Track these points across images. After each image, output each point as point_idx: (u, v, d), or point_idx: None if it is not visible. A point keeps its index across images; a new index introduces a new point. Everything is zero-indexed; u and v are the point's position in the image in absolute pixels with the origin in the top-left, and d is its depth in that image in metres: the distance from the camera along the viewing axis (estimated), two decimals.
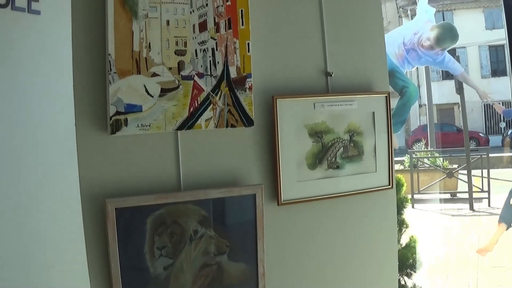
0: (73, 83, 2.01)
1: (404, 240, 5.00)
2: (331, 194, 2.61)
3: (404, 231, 5.04)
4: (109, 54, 2.09)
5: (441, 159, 12.50)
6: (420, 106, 23.56)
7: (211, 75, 2.28)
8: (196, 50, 2.25)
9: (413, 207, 10.50)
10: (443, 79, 24.29)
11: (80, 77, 2.07)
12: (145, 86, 2.16)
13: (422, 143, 15.26)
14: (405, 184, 5.20)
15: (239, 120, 2.33)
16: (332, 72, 2.60)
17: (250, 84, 2.34)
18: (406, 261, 4.95)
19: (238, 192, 2.32)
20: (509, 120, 23.82)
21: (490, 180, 11.05)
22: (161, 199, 2.18)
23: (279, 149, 2.45)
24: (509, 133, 21.79)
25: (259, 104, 2.43)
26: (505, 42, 3.46)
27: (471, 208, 10.53)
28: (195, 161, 2.32)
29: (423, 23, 5.86)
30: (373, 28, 2.79)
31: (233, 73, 2.31)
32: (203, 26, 2.27)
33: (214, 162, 2.36)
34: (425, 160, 12.54)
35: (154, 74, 2.17)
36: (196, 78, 2.25)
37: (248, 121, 2.35)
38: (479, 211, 10.46)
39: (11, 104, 1.76)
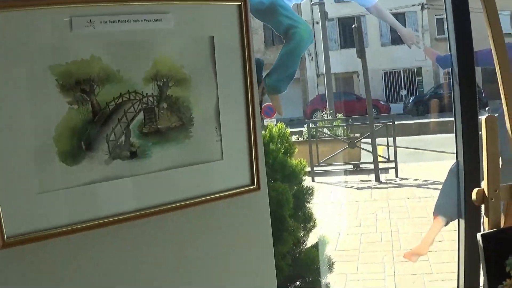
0: None
1: (311, 240, 3.77)
2: (123, 215, 1.34)
3: (311, 229, 3.78)
4: None
5: (341, 129, 11.75)
6: (318, 75, 22.99)
7: None
8: None
9: (313, 180, 9.50)
10: (341, 48, 23.78)
11: None
12: None
13: (324, 113, 14.45)
14: (306, 166, 3.93)
15: None
16: None
17: None
18: (312, 265, 3.67)
19: None
20: (410, 87, 23.85)
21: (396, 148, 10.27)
22: None
23: None
24: (410, 100, 21.67)
25: None
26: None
27: (377, 179, 9.74)
28: None
29: None
30: None
31: None
32: None
33: None
34: (325, 130, 11.71)
35: None
36: None
37: None
38: (387, 183, 9.60)
39: None
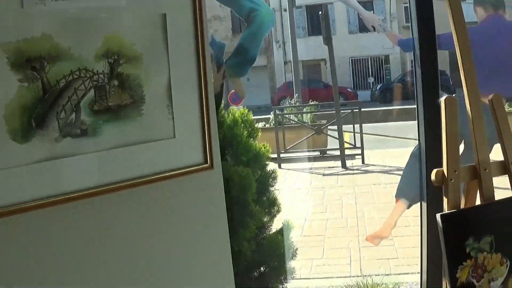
0: None
1: (276, 226, 3.76)
2: (74, 193, 1.31)
3: (275, 214, 3.77)
4: None
5: (308, 115, 11.75)
6: (285, 63, 22.93)
7: None
8: None
9: (280, 167, 9.55)
10: (309, 35, 23.73)
11: None
12: None
13: (292, 100, 14.44)
14: (269, 150, 3.91)
15: None
16: None
17: None
18: (276, 251, 3.66)
19: None
20: (378, 75, 23.94)
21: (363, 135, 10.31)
22: None
23: None
24: (378, 88, 21.73)
25: None
26: None
27: (344, 166, 9.78)
28: None
29: None
30: None
31: None
32: None
33: None
34: (292, 117, 11.75)
35: None
36: None
37: None
38: (353, 169, 9.65)
39: None
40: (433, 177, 1.84)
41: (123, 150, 1.37)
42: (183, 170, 1.47)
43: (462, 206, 1.90)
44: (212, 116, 1.50)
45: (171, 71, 1.42)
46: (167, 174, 1.44)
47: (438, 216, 1.77)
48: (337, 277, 4.73)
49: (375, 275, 4.42)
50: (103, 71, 1.31)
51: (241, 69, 3.07)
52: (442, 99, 1.84)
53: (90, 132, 1.31)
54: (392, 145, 11.12)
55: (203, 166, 1.51)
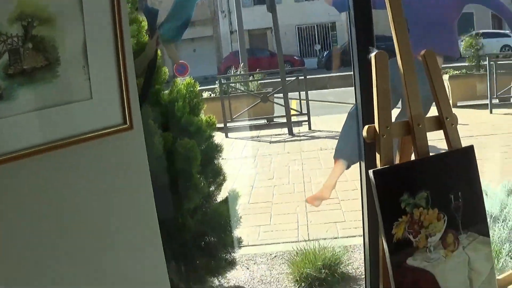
0: None
1: (223, 195, 3.72)
2: None
3: (221, 183, 3.74)
4: None
5: (255, 84, 11.73)
6: (231, 32, 22.81)
7: None
8: None
9: (226, 136, 9.67)
10: (254, 4, 23.61)
11: None
12: None
13: (238, 70, 14.37)
14: (215, 122, 3.86)
15: None
16: None
17: None
18: (221, 220, 3.63)
19: None
20: (324, 42, 23.98)
21: (309, 102, 10.34)
22: None
23: None
24: (324, 55, 21.79)
25: None
26: None
27: (290, 132, 9.85)
28: None
29: None
30: None
31: None
32: None
33: None
34: (238, 86, 11.71)
35: None
36: None
37: None
38: (300, 136, 9.73)
39: None
40: (364, 133, 1.83)
41: (40, 113, 1.35)
42: (102, 132, 1.45)
43: (397, 162, 1.90)
44: (131, 76, 1.46)
45: (86, 32, 1.39)
46: (86, 136, 1.42)
47: (370, 172, 1.76)
48: (284, 243, 4.75)
49: (323, 239, 4.42)
50: (17, 34, 1.29)
51: (174, 34, 3.01)
52: (372, 55, 1.83)
53: (6, 96, 1.29)
54: (338, 110, 11.13)
55: (123, 126, 1.49)
